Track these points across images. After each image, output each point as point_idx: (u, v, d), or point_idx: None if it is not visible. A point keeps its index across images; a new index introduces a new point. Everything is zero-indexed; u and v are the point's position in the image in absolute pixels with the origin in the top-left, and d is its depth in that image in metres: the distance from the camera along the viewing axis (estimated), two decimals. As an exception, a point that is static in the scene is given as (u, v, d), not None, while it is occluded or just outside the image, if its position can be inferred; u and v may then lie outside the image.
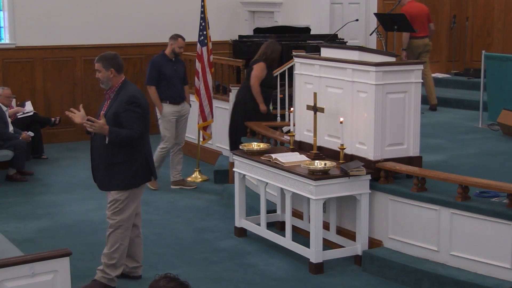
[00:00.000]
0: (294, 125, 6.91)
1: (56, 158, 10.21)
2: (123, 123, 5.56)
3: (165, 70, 8.66)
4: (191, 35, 10.76)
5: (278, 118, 9.30)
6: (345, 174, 6.05)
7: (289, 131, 7.10)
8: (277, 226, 7.11)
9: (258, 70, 8.25)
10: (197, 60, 9.24)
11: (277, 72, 9.28)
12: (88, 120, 5.52)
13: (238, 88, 8.86)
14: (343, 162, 6.22)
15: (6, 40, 11.10)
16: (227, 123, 8.87)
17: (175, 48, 8.70)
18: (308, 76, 6.88)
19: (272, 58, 8.34)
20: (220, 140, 9.69)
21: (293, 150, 6.81)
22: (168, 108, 8.71)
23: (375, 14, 10.81)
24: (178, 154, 8.91)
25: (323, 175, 6.02)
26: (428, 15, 10.28)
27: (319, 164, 6.13)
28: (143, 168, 5.75)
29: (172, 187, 8.91)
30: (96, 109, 6.12)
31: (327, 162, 6.20)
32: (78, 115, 5.64)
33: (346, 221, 6.56)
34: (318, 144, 6.63)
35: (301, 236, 6.69)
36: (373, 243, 6.26)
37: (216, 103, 9.49)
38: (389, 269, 5.94)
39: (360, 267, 6.20)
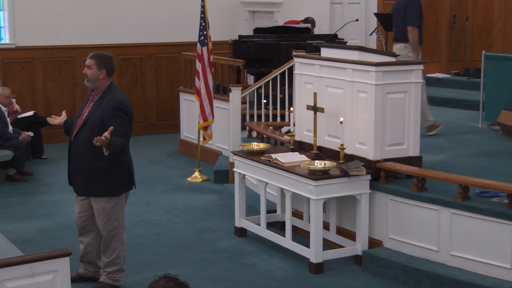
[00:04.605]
0: (294, 125, 6.92)
1: (56, 158, 10.20)
2: (115, 130, 5.36)
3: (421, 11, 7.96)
4: (191, 35, 10.77)
5: (278, 118, 9.30)
6: (345, 174, 6.05)
7: (289, 131, 7.09)
8: (277, 226, 7.11)
9: None
10: (197, 60, 9.24)
11: (277, 72, 9.29)
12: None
13: (239, 88, 8.84)
14: (343, 162, 6.21)
15: (6, 40, 11.10)
16: (227, 123, 8.85)
17: None
18: (308, 76, 6.88)
19: None
20: (220, 140, 9.68)
21: (293, 150, 6.81)
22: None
23: (375, 14, 10.81)
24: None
25: (323, 175, 6.02)
26: None
27: (319, 164, 6.13)
28: (126, 176, 5.66)
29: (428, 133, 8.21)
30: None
31: (327, 162, 6.19)
32: (58, 119, 5.87)
33: (346, 221, 6.55)
34: (318, 144, 6.62)
35: (301, 236, 6.68)
36: (373, 243, 6.26)
37: (216, 103, 9.48)
38: (389, 269, 5.94)
39: (360, 267, 6.19)
